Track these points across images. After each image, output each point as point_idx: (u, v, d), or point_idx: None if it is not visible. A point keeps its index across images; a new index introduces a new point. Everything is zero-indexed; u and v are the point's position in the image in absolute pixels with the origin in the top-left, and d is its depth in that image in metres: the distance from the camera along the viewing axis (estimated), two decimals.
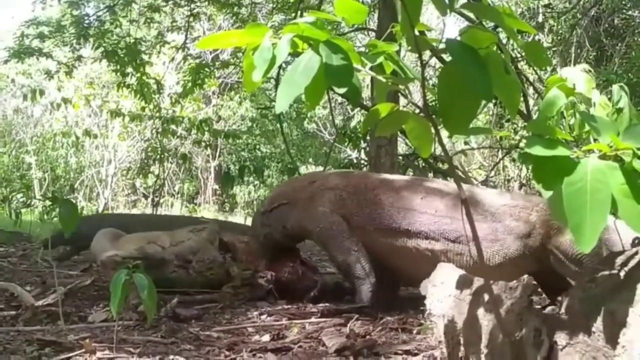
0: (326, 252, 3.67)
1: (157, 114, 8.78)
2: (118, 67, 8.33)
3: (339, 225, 3.45)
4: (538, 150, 1.42)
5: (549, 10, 11.72)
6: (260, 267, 3.83)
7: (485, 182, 9.02)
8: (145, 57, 8.64)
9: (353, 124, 13.22)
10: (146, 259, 3.53)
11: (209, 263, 3.80)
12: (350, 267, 3.42)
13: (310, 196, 3.63)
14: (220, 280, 3.76)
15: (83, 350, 2.50)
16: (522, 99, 6.14)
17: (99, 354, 2.47)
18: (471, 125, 1.62)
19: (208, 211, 15.08)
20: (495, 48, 1.63)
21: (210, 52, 12.96)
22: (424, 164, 7.41)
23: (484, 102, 1.66)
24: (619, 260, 1.52)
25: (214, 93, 15.39)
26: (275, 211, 3.76)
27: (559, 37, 11.83)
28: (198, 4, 8.92)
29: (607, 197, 1.34)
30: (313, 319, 3.20)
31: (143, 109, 9.12)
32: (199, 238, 3.93)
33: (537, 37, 9.89)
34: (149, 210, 11.86)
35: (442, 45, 1.64)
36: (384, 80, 1.67)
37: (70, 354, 2.47)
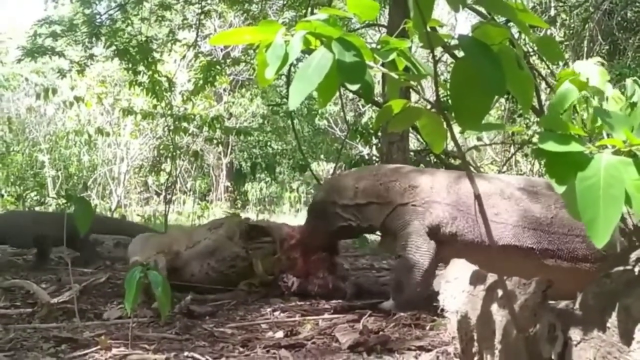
0: (396, 257, 3.44)
1: (169, 112, 8.80)
2: (130, 65, 8.37)
3: (427, 256, 3.24)
4: (551, 146, 1.42)
5: (561, 4, 11.64)
6: (289, 264, 3.76)
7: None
8: (157, 55, 8.67)
9: (364, 120, 13.21)
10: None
11: (230, 260, 3.75)
12: (403, 290, 3.28)
13: (411, 206, 3.35)
14: (243, 274, 3.73)
15: (99, 346, 2.52)
16: (534, 93, 6.10)
17: (114, 351, 2.49)
18: (483, 121, 1.62)
19: (220, 208, 15.11)
20: (507, 43, 1.62)
21: (221, 50, 12.99)
22: (435, 160, 7.39)
23: (496, 97, 1.66)
24: (634, 256, 1.52)
25: (225, 90, 15.41)
26: (362, 208, 3.53)
27: (571, 31, 11.74)
28: (209, 1, 8.94)
29: (621, 193, 1.33)
30: (326, 315, 3.21)
31: (155, 106, 9.15)
32: (217, 236, 3.84)
33: (549, 32, 9.82)
34: (161, 208, 11.90)
35: (454, 41, 1.64)
36: (396, 76, 1.67)
37: (86, 351, 2.50)
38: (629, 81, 2.51)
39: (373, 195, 3.50)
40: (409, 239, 3.28)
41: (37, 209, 10.53)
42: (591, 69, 2.54)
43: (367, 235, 5.53)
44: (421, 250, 3.25)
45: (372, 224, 3.54)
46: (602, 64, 2.59)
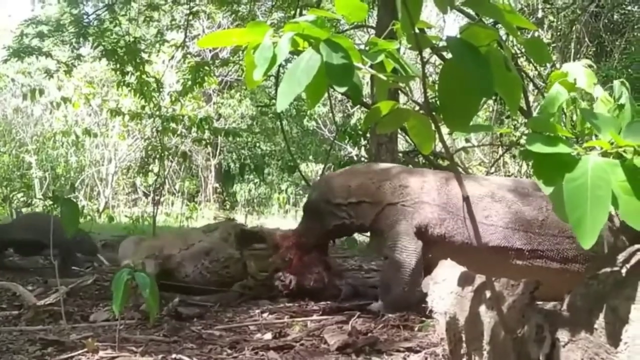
0: (384, 258, 3.44)
1: (157, 113, 8.76)
2: (118, 66, 8.32)
3: (414, 257, 3.25)
4: (539, 147, 1.43)
5: (548, 6, 11.70)
6: (283, 265, 3.76)
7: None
8: (145, 56, 8.62)
9: (353, 121, 13.21)
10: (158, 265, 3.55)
11: (224, 261, 3.76)
12: (391, 291, 3.29)
13: (400, 206, 3.37)
14: (237, 276, 3.74)
15: (85, 349, 2.50)
16: (522, 95, 6.14)
17: (101, 353, 2.47)
18: (472, 122, 1.62)
19: (209, 209, 15.09)
20: (495, 45, 1.63)
21: (210, 51, 12.95)
22: (424, 161, 7.41)
23: (484, 98, 1.66)
24: (621, 257, 1.52)
25: (214, 91, 15.38)
26: (355, 206, 3.53)
27: (558, 33, 11.81)
28: (197, 2, 8.92)
29: (608, 194, 1.34)
30: (315, 317, 3.20)
31: (143, 107, 9.11)
32: (212, 238, 3.86)
33: (536, 34, 9.87)
34: (149, 209, 11.85)
35: (442, 43, 1.64)
36: (384, 78, 1.67)
37: (73, 354, 2.48)
38: (616, 83, 2.53)
39: (365, 194, 3.51)
40: (396, 239, 3.29)
41: (23, 210, 10.43)
42: (579, 71, 2.56)
43: (356, 236, 5.54)
44: (408, 251, 3.26)
45: (364, 222, 3.54)
46: (591, 66, 2.61)
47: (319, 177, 10.07)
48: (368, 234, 3.83)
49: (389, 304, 3.24)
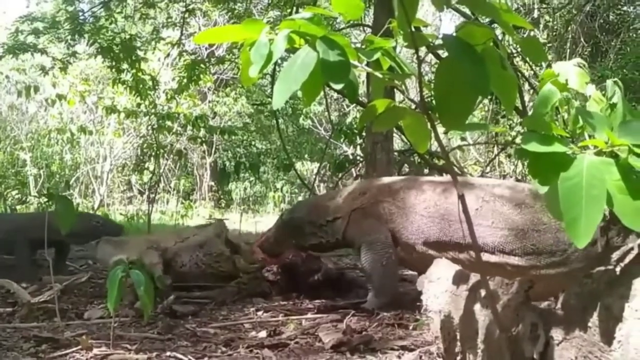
0: (362, 263, 3.60)
1: (153, 111, 8.74)
2: (113, 63, 8.30)
3: (383, 241, 3.44)
4: (534, 147, 1.43)
5: (544, 6, 11.73)
6: (266, 263, 3.88)
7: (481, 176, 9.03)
8: (141, 53, 8.60)
9: (349, 120, 13.21)
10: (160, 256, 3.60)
11: (216, 256, 3.82)
12: (374, 280, 3.44)
13: (361, 209, 3.63)
14: (228, 273, 3.79)
15: (80, 346, 2.50)
16: (517, 94, 6.14)
17: (95, 351, 2.47)
18: (467, 121, 1.62)
19: (204, 207, 15.06)
20: (491, 44, 1.63)
21: (206, 48, 12.93)
22: (420, 160, 7.41)
23: (480, 97, 1.66)
24: (615, 255, 1.53)
25: (209, 89, 15.34)
26: (330, 224, 3.76)
27: (554, 33, 11.84)
28: None
29: (603, 193, 1.34)
30: (309, 315, 3.21)
31: (138, 105, 9.10)
32: (206, 232, 3.97)
33: (532, 33, 9.88)
34: (144, 207, 11.84)
35: (438, 41, 1.64)
36: (380, 76, 1.67)
37: (67, 351, 2.48)
38: (609, 82, 2.53)
39: (337, 211, 3.75)
40: (366, 236, 3.50)
41: (18, 208, 10.39)
42: (571, 70, 2.56)
43: None
44: (379, 243, 3.43)
45: (338, 237, 3.74)
46: (583, 66, 2.61)
47: (314, 175, 10.06)
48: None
49: (376, 297, 3.36)
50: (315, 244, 3.84)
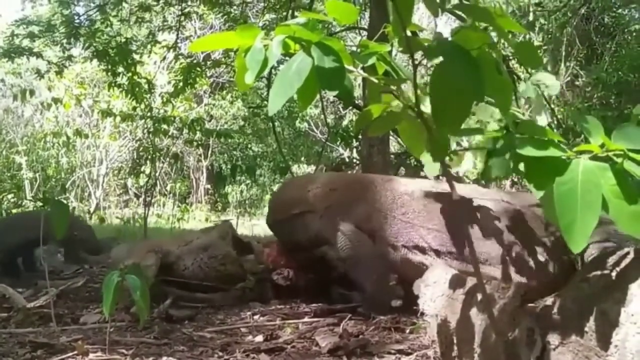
0: (345, 266, 3.43)
1: (149, 114, 8.73)
2: (109, 66, 8.29)
3: (367, 245, 3.30)
4: (530, 151, 1.43)
5: (539, 9, 11.75)
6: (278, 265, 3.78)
7: (476, 182, 9.03)
8: (136, 57, 8.60)
9: (345, 122, 13.22)
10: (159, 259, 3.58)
11: (222, 258, 3.78)
12: (363, 282, 3.31)
13: (333, 207, 3.47)
14: (234, 275, 3.76)
15: (75, 352, 2.49)
16: (513, 98, 6.15)
17: (91, 356, 2.46)
18: (463, 125, 1.62)
19: (200, 211, 15.04)
20: (486, 47, 1.63)
21: (202, 52, 12.91)
22: (416, 163, 7.42)
23: (475, 102, 1.66)
24: (611, 260, 1.53)
25: (205, 92, 15.34)
26: (297, 219, 3.60)
27: (549, 36, 11.87)
28: (189, 3, 8.90)
29: (598, 197, 1.35)
30: (306, 319, 3.20)
31: (134, 108, 9.08)
32: (209, 236, 3.92)
33: (527, 36, 9.92)
34: (141, 210, 11.81)
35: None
36: (376, 81, 1.67)
37: (63, 356, 2.47)
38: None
39: (304, 204, 3.59)
40: (341, 238, 3.34)
41: (14, 211, 10.36)
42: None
43: None
44: (358, 243, 3.31)
45: (310, 234, 3.56)
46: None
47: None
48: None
49: (369, 300, 3.27)
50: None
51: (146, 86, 8.57)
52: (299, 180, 3.97)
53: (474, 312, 1.88)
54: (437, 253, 3.14)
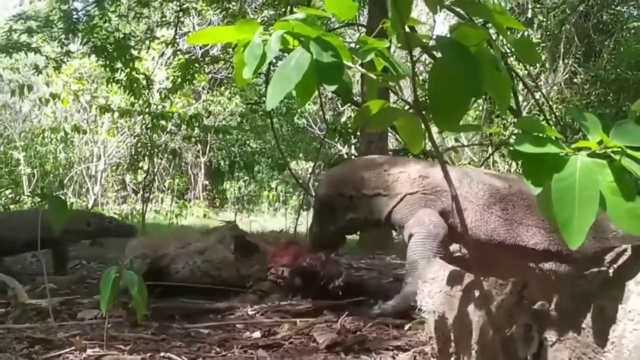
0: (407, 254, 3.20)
1: (147, 110, 8.73)
2: (107, 62, 8.29)
3: (437, 239, 3.06)
4: (528, 148, 1.43)
5: (538, 6, 11.75)
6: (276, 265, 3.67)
7: None
8: (135, 53, 8.60)
9: (343, 119, 13.22)
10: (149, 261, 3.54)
11: (218, 263, 3.71)
12: (411, 279, 3.07)
13: (420, 197, 3.24)
14: (230, 280, 3.67)
15: (73, 347, 2.49)
16: (511, 95, 6.15)
17: (89, 351, 2.46)
18: (461, 122, 1.62)
19: (198, 207, 15.05)
20: (485, 44, 1.63)
21: (200, 48, 12.91)
22: None
23: (473, 98, 1.66)
24: (609, 257, 1.53)
25: (203, 88, 15.33)
26: (368, 199, 3.36)
27: (548, 33, 11.87)
28: None
29: (596, 194, 1.35)
30: (304, 315, 3.19)
31: (132, 104, 9.09)
32: (207, 240, 3.83)
33: (526, 33, 9.92)
34: (139, 206, 11.81)
35: (432, 42, 1.64)
36: (374, 77, 1.67)
37: (61, 352, 2.46)
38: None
39: (382, 187, 3.36)
40: (420, 218, 3.14)
41: (11, 207, 10.36)
42: None
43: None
44: (435, 223, 3.10)
45: (378, 216, 3.37)
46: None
47: (309, 175, 10.07)
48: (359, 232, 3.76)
49: (399, 306, 3.08)
50: (353, 219, 3.45)
51: (144, 82, 8.56)
52: (372, 161, 3.72)
53: (471, 308, 1.88)
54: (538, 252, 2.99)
